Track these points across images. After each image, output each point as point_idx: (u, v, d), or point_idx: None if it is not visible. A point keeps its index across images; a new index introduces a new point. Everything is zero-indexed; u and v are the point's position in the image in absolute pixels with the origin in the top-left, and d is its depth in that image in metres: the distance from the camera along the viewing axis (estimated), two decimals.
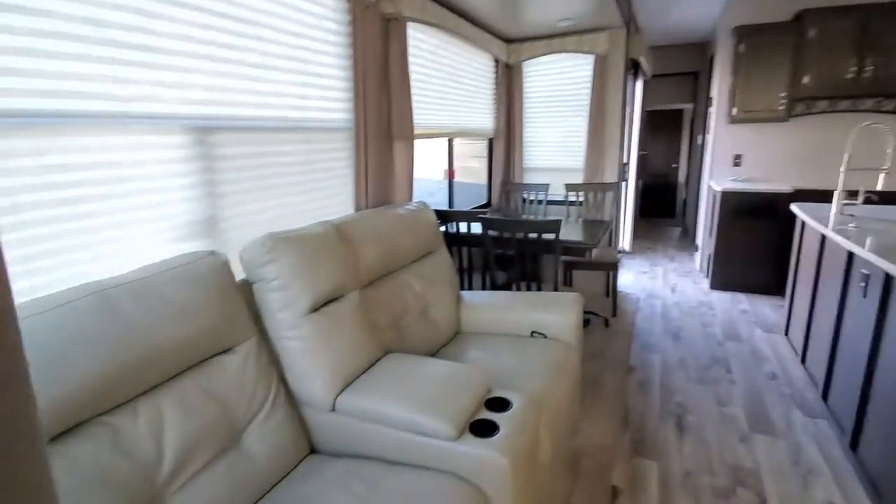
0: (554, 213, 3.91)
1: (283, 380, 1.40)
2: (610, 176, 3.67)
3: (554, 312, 2.03)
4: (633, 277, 4.41)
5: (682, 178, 7.53)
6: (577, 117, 3.70)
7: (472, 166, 4.92)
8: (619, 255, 4.03)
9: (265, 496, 1.19)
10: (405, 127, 2.30)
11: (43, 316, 0.91)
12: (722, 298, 3.81)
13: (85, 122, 1.14)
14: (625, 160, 4.71)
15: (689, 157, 6.83)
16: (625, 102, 3.60)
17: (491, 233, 2.46)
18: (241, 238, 1.55)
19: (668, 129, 7.55)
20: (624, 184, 4.82)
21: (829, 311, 2.25)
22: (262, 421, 1.26)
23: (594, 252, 3.31)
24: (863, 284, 1.91)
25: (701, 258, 4.57)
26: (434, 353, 1.96)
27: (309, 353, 1.35)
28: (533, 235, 2.39)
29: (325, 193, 1.95)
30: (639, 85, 4.86)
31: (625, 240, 5.25)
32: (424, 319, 2.00)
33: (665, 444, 2.03)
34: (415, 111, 2.56)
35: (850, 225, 2.23)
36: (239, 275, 1.38)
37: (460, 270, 2.64)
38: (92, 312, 0.96)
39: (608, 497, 1.74)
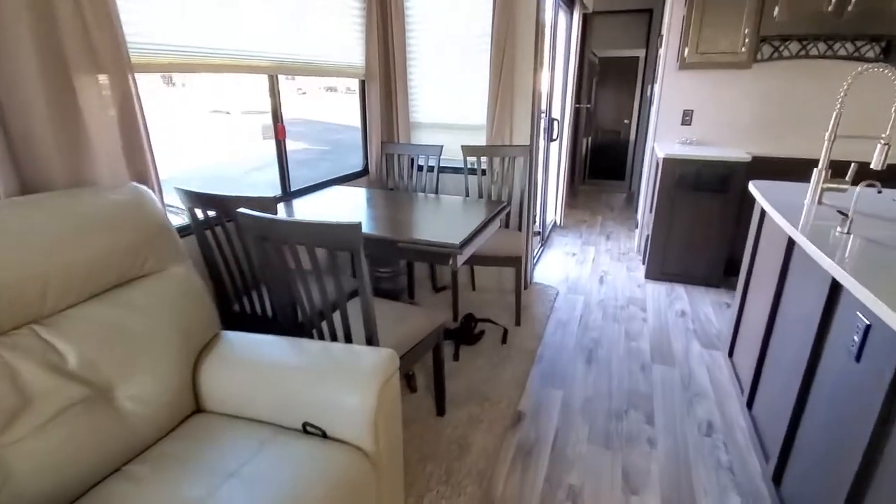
0: (451, 184, 3.00)
1: None
2: (520, 136, 2.75)
3: (341, 389, 1.15)
4: (560, 261, 3.61)
5: (633, 135, 6.73)
6: (480, 55, 2.72)
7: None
8: (538, 234, 3.21)
9: None
10: (105, 45, 1.29)
11: None
12: (657, 293, 3.07)
13: None
14: (555, 115, 3.81)
15: (640, 113, 5.99)
16: (539, 36, 2.64)
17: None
18: None
19: (622, 78, 6.63)
20: (554, 144, 3.93)
21: (797, 356, 1.48)
22: None
23: (491, 237, 2.44)
24: (857, 339, 1.13)
25: (639, 237, 3.82)
26: (124, 464, 1.07)
27: None
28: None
29: None
30: (575, 18, 3.87)
31: (556, 212, 4.43)
32: (101, 408, 1.08)
33: None
34: (153, 19, 1.52)
35: (837, 228, 1.43)
36: None
37: (243, 290, 1.72)
38: None
39: None
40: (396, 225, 1.85)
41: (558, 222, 4.46)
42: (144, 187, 1.33)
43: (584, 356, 2.34)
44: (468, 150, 2.74)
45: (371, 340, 1.37)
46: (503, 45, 2.56)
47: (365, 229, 1.77)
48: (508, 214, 2.77)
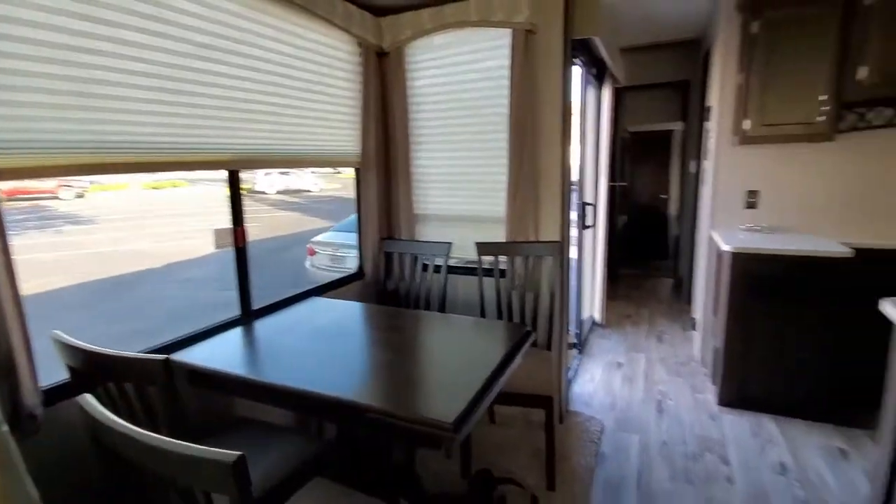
0: (463, 289, 2.45)
1: None
2: (548, 230, 2.22)
3: None
4: (603, 376, 2.91)
5: (672, 211, 6.17)
6: (498, 136, 2.27)
7: None
8: (574, 346, 2.55)
9: None
10: None
11: None
12: (739, 431, 2.30)
13: None
14: (588, 200, 3.31)
15: (681, 188, 5.44)
16: (567, 116, 2.18)
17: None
18: None
19: (656, 153, 6.25)
20: (589, 231, 3.39)
21: None
22: None
23: (515, 369, 1.82)
24: None
25: (703, 346, 3.09)
26: None
27: None
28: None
29: None
30: (605, 93, 3.47)
31: (596, 307, 3.77)
32: None
33: None
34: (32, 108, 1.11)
35: None
36: None
37: None
38: None
39: None
40: (363, 374, 1.27)
41: (598, 319, 3.78)
42: None
43: None
44: (483, 247, 2.21)
45: None
46: (526, 127, 2.10)
47: (322, 382, 1.21)
48: (534, 329, 2.17)
